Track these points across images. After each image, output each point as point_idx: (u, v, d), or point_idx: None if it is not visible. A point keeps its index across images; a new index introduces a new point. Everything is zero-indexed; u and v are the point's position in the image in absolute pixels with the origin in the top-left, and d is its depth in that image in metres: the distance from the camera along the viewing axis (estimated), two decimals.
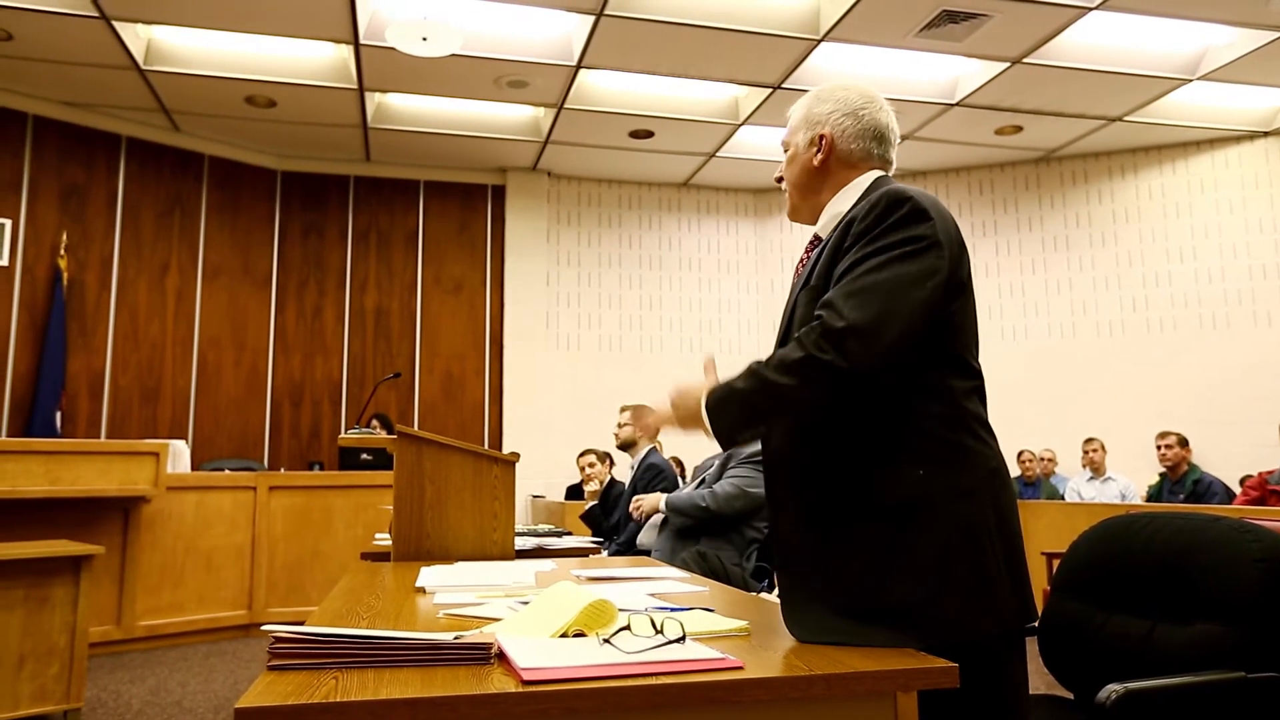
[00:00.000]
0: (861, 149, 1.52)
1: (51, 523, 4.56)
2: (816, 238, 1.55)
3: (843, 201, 1.50)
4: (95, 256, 6.99)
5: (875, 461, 1.33)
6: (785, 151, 1.60)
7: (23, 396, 6.50)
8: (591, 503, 4.95)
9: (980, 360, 1.44)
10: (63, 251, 6.70)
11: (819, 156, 1.53)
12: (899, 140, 1.59)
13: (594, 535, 4.56)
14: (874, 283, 1.30)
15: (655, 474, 4.38)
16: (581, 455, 5.52)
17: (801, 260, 1.56)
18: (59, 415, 6.48)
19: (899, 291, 1.29)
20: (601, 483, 5.10)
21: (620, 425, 4.66)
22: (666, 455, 5.35)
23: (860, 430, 1.35)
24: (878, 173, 1.52)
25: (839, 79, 6.48)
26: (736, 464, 3.62)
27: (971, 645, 1.26)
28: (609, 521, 4.70)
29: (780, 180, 1.62)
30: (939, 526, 1.29)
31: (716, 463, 3.77)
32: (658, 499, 3.90)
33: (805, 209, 1.59)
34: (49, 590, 3.37)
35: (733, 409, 1.35)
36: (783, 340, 1.46)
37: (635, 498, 4.08)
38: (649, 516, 3.97)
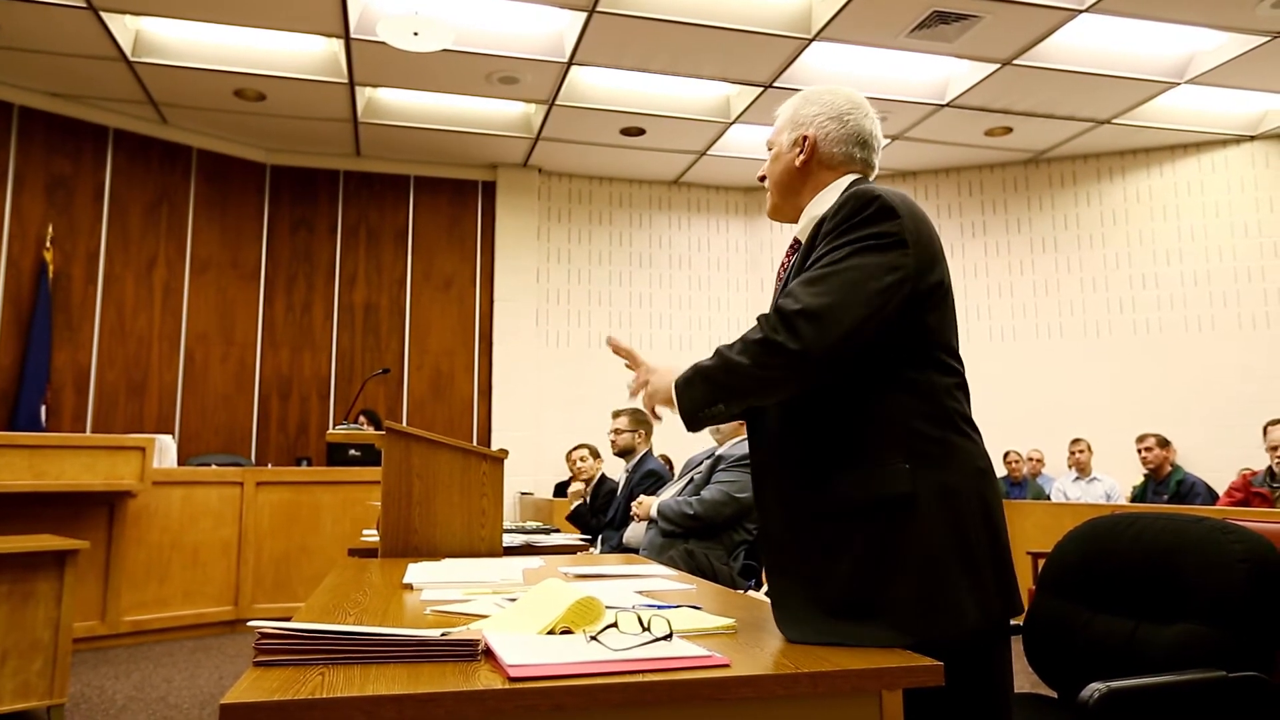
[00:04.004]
0: (844, 153, 1.54)
1: (36, 517, 4.52)
2: (796, 241, 1.56)
3: (820, 205, 1.51)
4: (81, 249, 6.94)
5: (862, 461, 1.34)
6: (769, 150, 1.62)
7: (7, 390, 6.45)
8: (577, 502, 4.95)
9: (964, 358, 1.45)
10: (48, 244, 6.64)
11: (801, 157, 1.54)
12: (882, 148, 1.60)
13: (583, 534, 4.56)
14: (832, 272, 1.33)
15: (654, 480, 4.38)
16: (575, 449, 5.55)
17: (783, 264, 1.58)
18: (44, 409, 6.43)
19: (857, 281, 1.31)
20: (590, 480, 5.10)
21: (619, 431, 4.64)
22: (656, 454, 5.35)
23: (845, 429, 1.36)
24: (856, 176, 1.54)
25: (829, 79, 6.51)
26: (726, 467, 3.60)
27: (960, 642, 1.28)
28: (601, 519, 4.70)
29: (763, 179, 1.63)
30: (928, 525, 1.30)
31: (706, 463, 3.75)
32: (655, 502, 3.90)
33: (785, 209, 1.60)
34: (33, 585, 3.35)
35: (696, 387, 1.38)
36: None
37: (639, 499, 4.07)
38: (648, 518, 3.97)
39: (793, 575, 1.36)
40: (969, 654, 1.30)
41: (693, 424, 1.40)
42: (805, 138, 1.54)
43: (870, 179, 1.55)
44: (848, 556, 1.31)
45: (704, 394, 1.37)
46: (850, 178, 1.53)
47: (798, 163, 1.55)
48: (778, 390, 1.37)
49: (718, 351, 1.37)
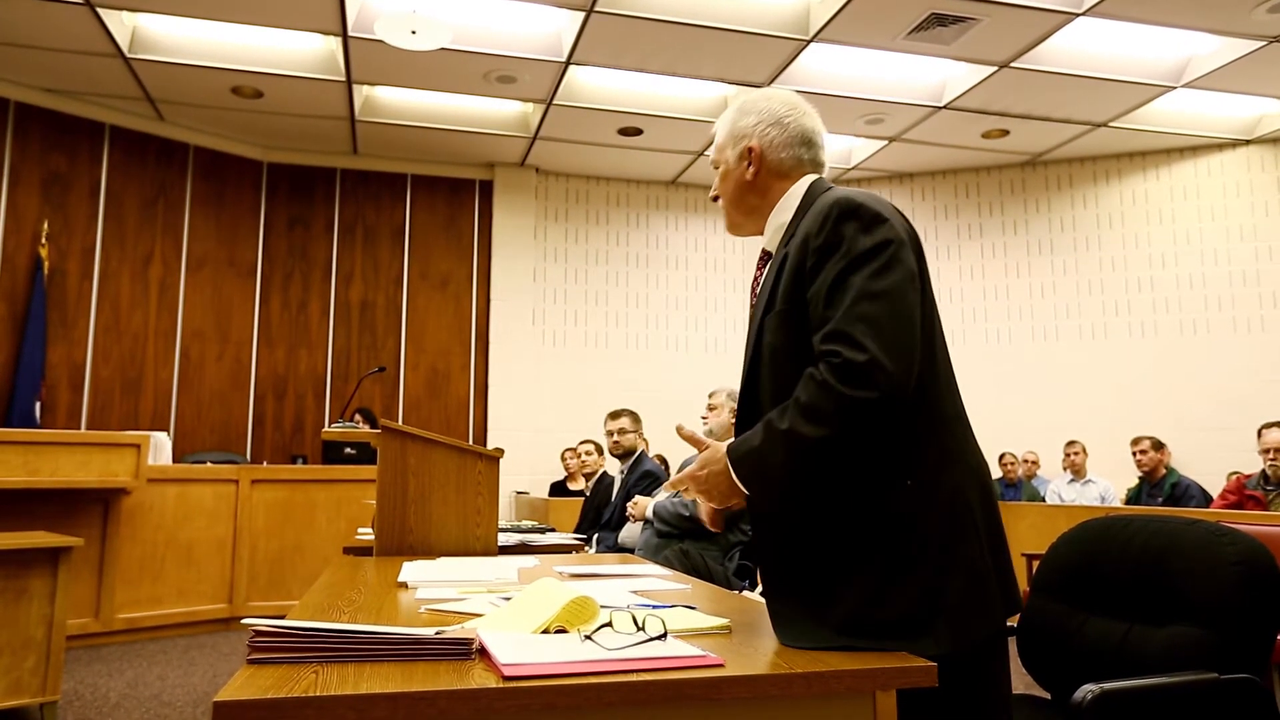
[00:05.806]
0: (791, 156, 1.51)
1: (30, 514, 4.51)
2: (766, 253, 1.53)
3: (784, 213, 1.50)
4: (77, 246, 6.92)
5: (859, 475, 1.30)
6: (716, 169, 1.59)
7: (1, 386, 6.43)
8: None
9: (960, 360, 1.45)
10: (44, 240, 6.63)
11: (750, 170, 1.52)
12: (825, 143, 1.57)
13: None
14: (873, 303, 1.27)
15: (651, 480, 4.39)
16: (581, 443, 5.58)
17: (755, 279, 1.54)
18: (38, 406, 6.41)
19: (899, 305, 1.28)
20: (590, 475, 5.14)
21: (623, 432, 4.63)
22: (651, 453, 5.36)
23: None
24: (811, 177, 1.52)
25: (827, 80, 6.51)
26: None
27: (964, 651, 1.26)
28: (602, 518, 4.71)
29: (717, 199, 1.60)
30: (930, 537, 1.28)
31: None
32: (651, 503, 3.90)
33: (746, 224, 1.57)
34: (26, 582, 3.34)
35: (773, 480, 1.31)
36: (752, 366, 1.43)
37: (633, 500, 4.08)
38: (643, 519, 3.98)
39: (792, 594, 1.32)
40: (966, 661, 1.28)
41: (777, 510, 1.38)
42: (750, 149, 1.52)
43: (823, 175, 1.53)
44: (851, 577, 1.28)
45: (788, 485, 1.31)
46: (806, 180, 1.51)
47: (749, 176, 1.52)
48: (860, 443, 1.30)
49: (782, 434, 1.27)
